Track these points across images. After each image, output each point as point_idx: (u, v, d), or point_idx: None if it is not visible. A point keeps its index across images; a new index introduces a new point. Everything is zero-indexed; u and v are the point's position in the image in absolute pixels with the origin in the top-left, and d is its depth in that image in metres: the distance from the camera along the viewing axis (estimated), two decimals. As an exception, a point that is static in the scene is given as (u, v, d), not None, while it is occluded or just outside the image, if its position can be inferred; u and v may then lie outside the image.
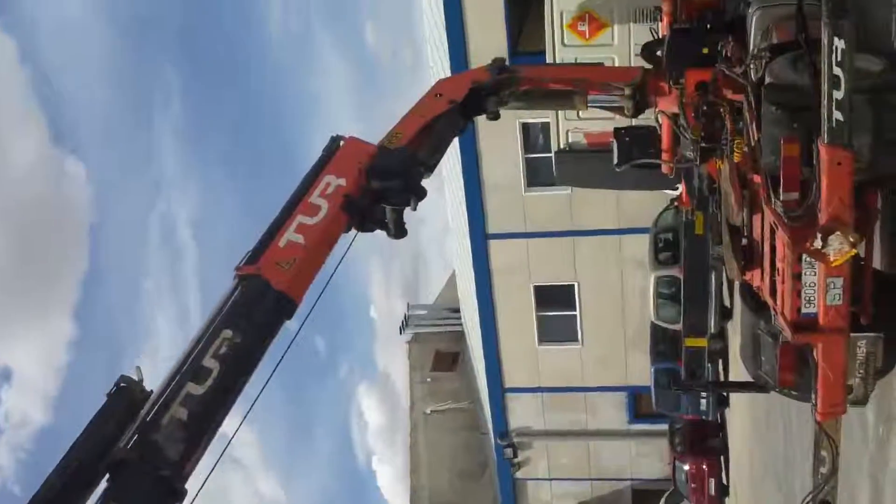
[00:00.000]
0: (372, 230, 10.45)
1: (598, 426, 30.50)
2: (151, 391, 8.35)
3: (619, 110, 12.71)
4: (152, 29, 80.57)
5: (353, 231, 10.51)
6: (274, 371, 9.71)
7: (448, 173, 30.04)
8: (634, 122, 14.44)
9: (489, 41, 23.77)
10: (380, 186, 10.05)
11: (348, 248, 10.32)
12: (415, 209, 10.49)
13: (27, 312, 75.06)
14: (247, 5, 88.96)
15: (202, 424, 8.31)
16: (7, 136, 70.02)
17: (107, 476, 8.27)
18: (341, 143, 10.44)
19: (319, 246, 9.46)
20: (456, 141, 25.76)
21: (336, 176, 10.00)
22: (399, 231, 10.45)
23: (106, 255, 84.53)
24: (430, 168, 10.84)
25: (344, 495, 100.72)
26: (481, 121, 24.81)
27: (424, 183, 10.59)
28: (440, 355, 36.86)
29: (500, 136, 25.77)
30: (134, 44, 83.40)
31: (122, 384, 8.32)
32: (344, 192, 9.75)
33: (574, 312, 28.65)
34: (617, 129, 14.86)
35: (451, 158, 27.71)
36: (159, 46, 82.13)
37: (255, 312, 8.90)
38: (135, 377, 8.42)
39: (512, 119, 25.20)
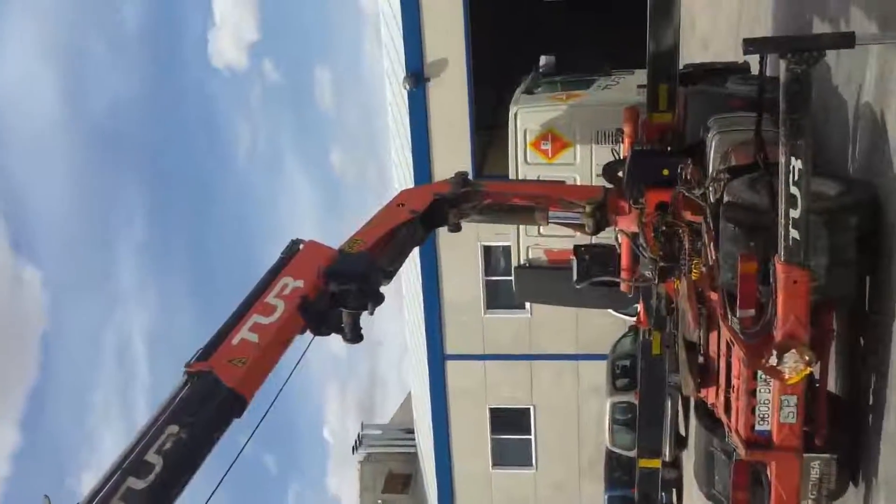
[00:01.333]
0: (328, 334, 10.34)
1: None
2: None
3: (579, 227, 12.78)
4: (118, 144, 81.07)
5: (309, 335, 10.46)
6: (220, 483, 9.53)
7: (408, 293, 30.10)
8: (594, 240, 14.59)
9: (454, 165, 24.07)
10: (338, 290, 9.95)
11: (304, 354, 10.18)
12: (371, 314, 10.43)
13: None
14: (215, 125, 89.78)
15: None
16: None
17: None
18: (300, 246, 10.39)
19: (274, 345, 9.30)
20: (417, 261, 26.13)
21: (294, 278, 9.92)
22: (355, 336, 10.35)
23: (57, 365, 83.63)
24: (388, 275, 10.82)
25: None
26: (443, 242, 25.48)
27: (383, 290, 10.57)
28: (392, 476, 36.35)
29: (461, 257, 25.98)
30: (99, 158, 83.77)
31: None
32: (301, 294, 9.65)
33: (529, 437, 28.48)
34: (577, 247, 14.97)
35: (412, 278, 27.82)
36: (124, 162, 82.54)
37: (204, 409, 8.63)
38: None
39: (473, 241, 25.41)
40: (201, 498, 9.16)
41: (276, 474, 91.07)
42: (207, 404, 8.67)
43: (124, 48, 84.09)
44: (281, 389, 10.08)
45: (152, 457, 8.13)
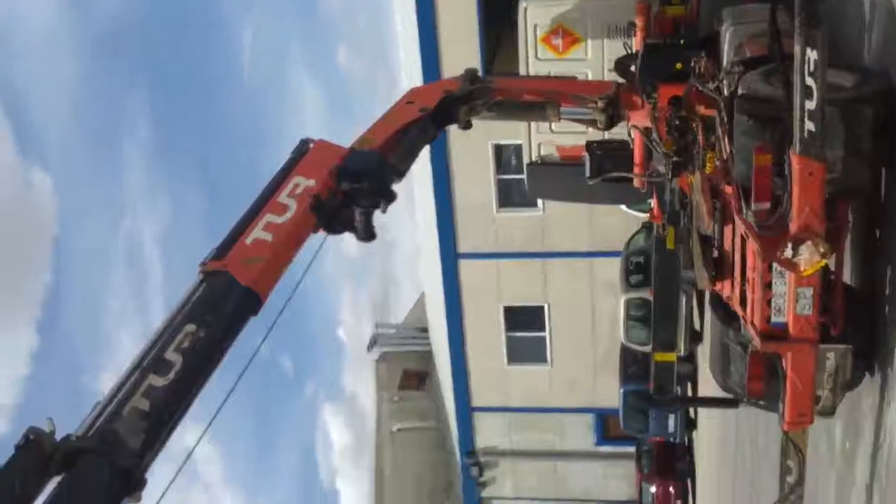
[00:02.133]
0: (340, 232, 10.35)
1: (565, 447, 30.51)
2: (60, 443, 7.83)
3: (591, 123, 12.69)
4: (124, 43, 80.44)
5: (323, 235, 10.48)
6: (237, 382, 9.59)
7: (419, 194, 30.05)
8: (607, 135, 14.50)
9: (463, 63, 23.80)
10: (349, 188, 9.98)
11: (316, 253, 10.25)
12: (384, 212, 10.43)
13: (-9, 322, 74.57)
14: (220, 24, 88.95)
15: (164, 416, 8.13)
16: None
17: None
18: (310, 145, 10.40)
19: (287, 244, 9.40)
20: (428, 161, 26.03)
21: (305, 177, 9.95)
22: (368, 234, 10.37)
23: (70, 268, 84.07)
24: (400, 173, 10.77)
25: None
26: (454, 141, 25.37)
27: (395, 189, 10.56)
28: (408, 374, 36.76)
29: (473, 156, 25.86)
30: (105, 57, 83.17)
31: (30, 436, 7.86)
32: (313, 193, 9.68)
33: (544, 334, 28.66)
34: (589, 143, 14.90)
35: (423, 178, 27.75)
36: (130, 60, 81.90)
37: (220, 308, 8.80)
38: (46, 429, 7.96)
39: (484, 140, 25.27)
40: (220, 398, 9.29)
41: (292, 375, 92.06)
42: (223, 303, 8.82)
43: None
44: (296, 288, 10.17)
45: (171, 355, 8.25)
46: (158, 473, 8.55)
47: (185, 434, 8.75)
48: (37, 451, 7.91)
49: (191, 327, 8.46)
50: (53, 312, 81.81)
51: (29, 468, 7.74)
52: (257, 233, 9.29)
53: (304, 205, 9.56)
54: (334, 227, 10.31)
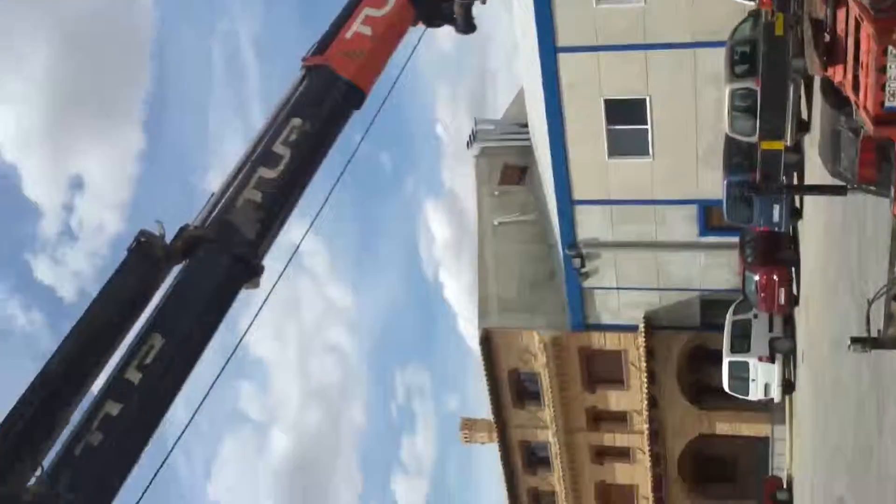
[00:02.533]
0: (440, 25, 10.43)
1: (667, 238, 30.65)
2: (170, 245, 8.56)
3: None
4: None
5: (421, 28, 10.52)
6: (341, 175, 9.96)
7: (518, -15, 29.56)
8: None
9: None
10: None
11: (417, 44, 10.39)
12: (483, 2, 10.42)
13: (97, 124, 76.08)
14: None
15: (276, 206, 8.71)
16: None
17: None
18: None
19: (387, 37, 9.56)
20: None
21: None
22: (468, 26, 10.42)
23: (170, 73, 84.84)
24: None
25: (411, 305, 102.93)
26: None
27: None
28: (508, 169, 36.71)
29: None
30: None
31: (142, 239, 8.52)
32: None
33: (645, 126, 28.39)
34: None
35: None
36: None
37: (325, 101, 9.13)
38: (156, 232, 8.62)
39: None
40: (323, 195, 9.64)
41: (391, 171, 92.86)
42: (327, 97, 9.19)
43: None
44: (393, 85, 10.42)
45: (279, 148, 8.78)
46: (269, 268, 9.04)
47: (292, 229, 9.32)
48: (148, 252, 8.56)
49: (297, 121, 8.92)
50: (156, 114, 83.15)
51: (141, 269, 8.50)
52: (357, 27, 9.46)
53: None
54: (433, 20, 10.39)
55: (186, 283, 8.51)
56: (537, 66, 28.20)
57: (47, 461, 7.91)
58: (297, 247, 10.01)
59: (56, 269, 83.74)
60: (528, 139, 35.45)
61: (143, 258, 8.50)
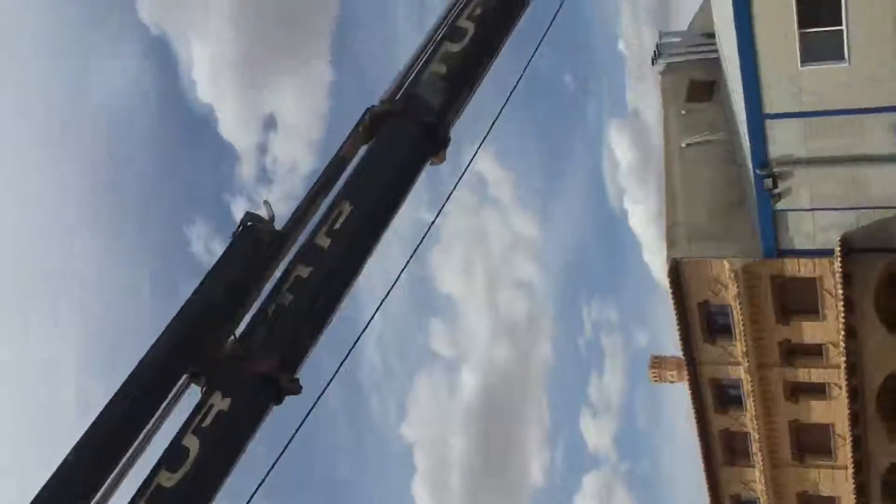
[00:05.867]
0: None
1: (866, 151, 28.51)
2: (280, 232, 8.62)
3: None
4: None
5: None
6: (519, 82, 9.94)
7: None
8: None
9: None
10: None
11: None
12: None
13: (287, 60, 77.21)
14: None
15: (462, 76, 8.72)
16: None
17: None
18: None
19: None
20: None
21: None
22: None
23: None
24: None
25: (596, 235, 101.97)
26: None
27: None
28: (695, 85, 35.39)
29: None
30: None
31: (248, 223, 8.50)
32: None
33: (840, 27, 26.34)
34: None
35: None
36: None
37: None
38: (264, 214, 8.61)
39: None
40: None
41: (574, 90, 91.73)
42: None
43: None
44: None
45: (464, 22, 8.79)
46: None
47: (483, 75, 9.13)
48: (253, 238, 8.52)
49: None
50: (345, 43, 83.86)
51: (247, 256, 8.45)
52: None
53: None
54: None
55: (375, 155, 8.68)
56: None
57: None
58: (470, 164, 9.84)
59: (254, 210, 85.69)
60: (716, 51, 33.85)
61: (251, 245, 8.53)
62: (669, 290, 34.88)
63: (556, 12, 10.00)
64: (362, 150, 8.72)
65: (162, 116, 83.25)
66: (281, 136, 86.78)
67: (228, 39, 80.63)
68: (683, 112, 35.15)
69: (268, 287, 8.42)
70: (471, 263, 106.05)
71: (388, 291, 9.11)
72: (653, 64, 36.63)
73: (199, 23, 77.77)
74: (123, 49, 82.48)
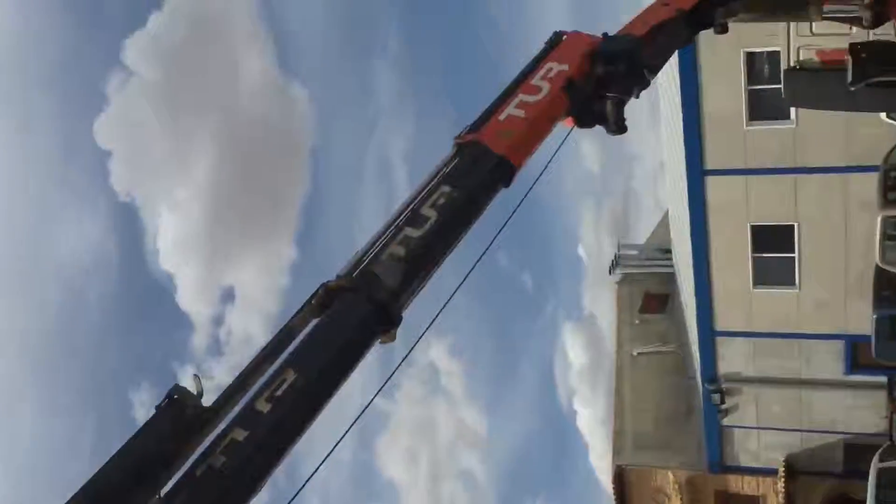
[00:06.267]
0: (591, 125, 10.43)
1: (812, 375, 29.13)
2: (207, 409, 8.24)
3: (856, 21, 12.04)
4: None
5: (566, 128, 10.39)
6: (487, 249, 9.67)
7: (666, 106, 29.34)
8: (872, 36, 13.62)
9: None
10: (604, 71, 9.98)
11: (564, 140, 10.29)
12: (637, 97, 10.33)
13: (251, 235, 77.96)
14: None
15: (419, 261, 8.64)
16: (240, 58, 72.66)
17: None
18: (564, 37, 10.46)
19: (539, 120, 9.53)
20: (676, 73, 25.17)
21: (559, 62, 9.99)
22: (619, 126, 10.37)
23: (325, 182, 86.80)
24: (653, 69, 10.80)
25: (544, 432, 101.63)
26: (703, 50, 24.46)
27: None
28: (650, 296, 36.15)
29: (724, 66, 24.96)
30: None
31: (174, 395, 8.15)
32: (566, 76, 9.77)
33: (793, 255, 27.32)
34: (853, 45, 14.05)
35: (670, 90, 27.01)
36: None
37: (475, 172, 9.12)
38: (192, 389, 8.25)
39: (736, 48, 24.25)
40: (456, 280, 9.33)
41: (533, 291, 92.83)
42: (478, 168, 9.17)
43: None
44: (539, 177, 10.23)
45: (427, 210, 8.78)
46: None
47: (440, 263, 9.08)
48: (178, 413, 8.05)
49: (446, 188, 8.92)
50: (308, 225, 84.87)
51: (167, 431, 7.96)
52: (510, 110, 9.50)
53: (557, 86, 9.68)
54: (585, 118, 10.42)
55: (325, 328, 8.55)
56: (684, 188, 27.69)
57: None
58: (420, 336, 9.46)
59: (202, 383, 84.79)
60: (672, 266, 34.78)
61: (171, 418, 8.08)
62: (613, 497, 34.84)
63: (519, 204, 10.05)
64: (313, 322, 8.63)
65: (122, 280, 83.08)
66: (238, 310, 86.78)
67: (196, 212, 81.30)
68: (637, 321, 35.71)
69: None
70: (417, 452, 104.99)
71: (320, 464, 8.59)
72: (610, 273, 37.40)
73: (169, 193, 78.51)
74: (91, 210, 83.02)
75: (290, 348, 8.51)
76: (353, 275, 8.53)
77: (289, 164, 79.28)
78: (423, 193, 8.89)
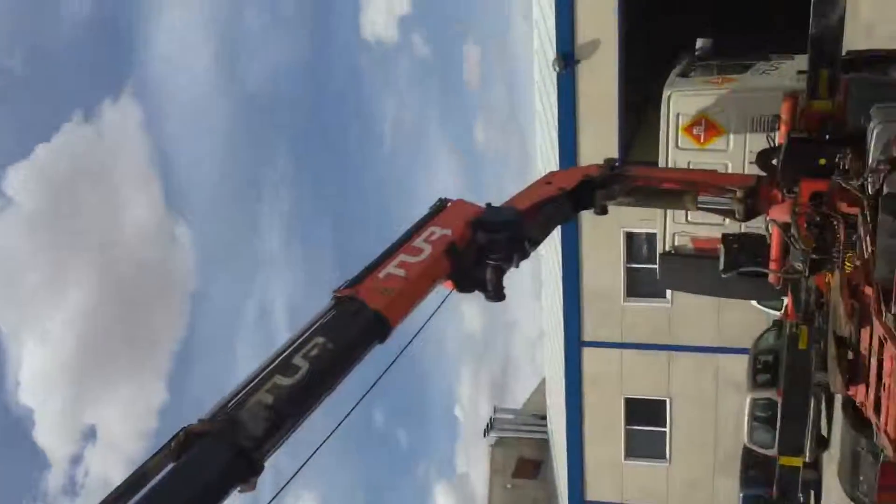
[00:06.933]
0: (471, 290, 10.47)
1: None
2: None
3: (729, 214, 12.58)
4: (268, 112, 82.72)
5: (447, 290, 10.50)
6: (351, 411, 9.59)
7: (547, 277, 29.90)
8: (744, 228, 14.22)
9: (600, 148, 23.73)
10: (485, 240, 10.14)
11: (442, 303, 10.33)
12: (517, 267, 10.51)
13: (121, 374, 76.19)
14: (362, 97, 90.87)
15: (286, 411, 8.37)
16: (126, 195, 71.99)
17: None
18: (448, 203, 10.65)
19: (419, 281, 9.57)
20: (558, 246, 25.88)
21: (441, 227, 10.13)
22: (498, 293, 10.46)
23: (202, 325, 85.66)
24: (534, 242, 10.92)
25: None
26: (585, 227, 25.19)
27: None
28: (523, 462, 36.25)
29: (603, 243, 25.70)
30: (249, 125, 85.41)
31: None
32: (449, 241, 9.87)
33: (664, 429, 27.97)
34: (725, 235, 14.62)
35: (552, 263, 27.60)
36: (273, 128, 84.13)
37: (350, 326, 9.07)
38: None
39: (615, 227, 25.10)
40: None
41: (407, 449, 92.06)
42: (354, 322, 9.10)
43: (278, 18, 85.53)
44: (416, 333, 10.06)
45: (299, 360, 8.56)
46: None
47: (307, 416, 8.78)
48: None
49: (319, 339, 8.77)
50: (184, 369, 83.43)
51: None
52: (391, 269, 9.54)
53: (439, 249, 9.76)
54: (465, 283, 10.45)
55: (181, 472, 8.00)
56: (561, 357, 28.10)
57: None
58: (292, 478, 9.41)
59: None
60: (546, 433, 34.97)
61: None
62: None
63: (392, 361, 9.77)
64: (169, 467, 8.08)
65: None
66: (98, 450, 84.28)
67: (66, 346, 79.40)
68: (509, 486, 35.68)
69: None
70: None
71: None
72: (485, 435, 37.37)
73: (37, 325, 76.70)
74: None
75: (142, 493, 7.96)
76: (217, 419, 8.22)
77: (167, 304, 78.36)
78: (296, 343, 8.78)
